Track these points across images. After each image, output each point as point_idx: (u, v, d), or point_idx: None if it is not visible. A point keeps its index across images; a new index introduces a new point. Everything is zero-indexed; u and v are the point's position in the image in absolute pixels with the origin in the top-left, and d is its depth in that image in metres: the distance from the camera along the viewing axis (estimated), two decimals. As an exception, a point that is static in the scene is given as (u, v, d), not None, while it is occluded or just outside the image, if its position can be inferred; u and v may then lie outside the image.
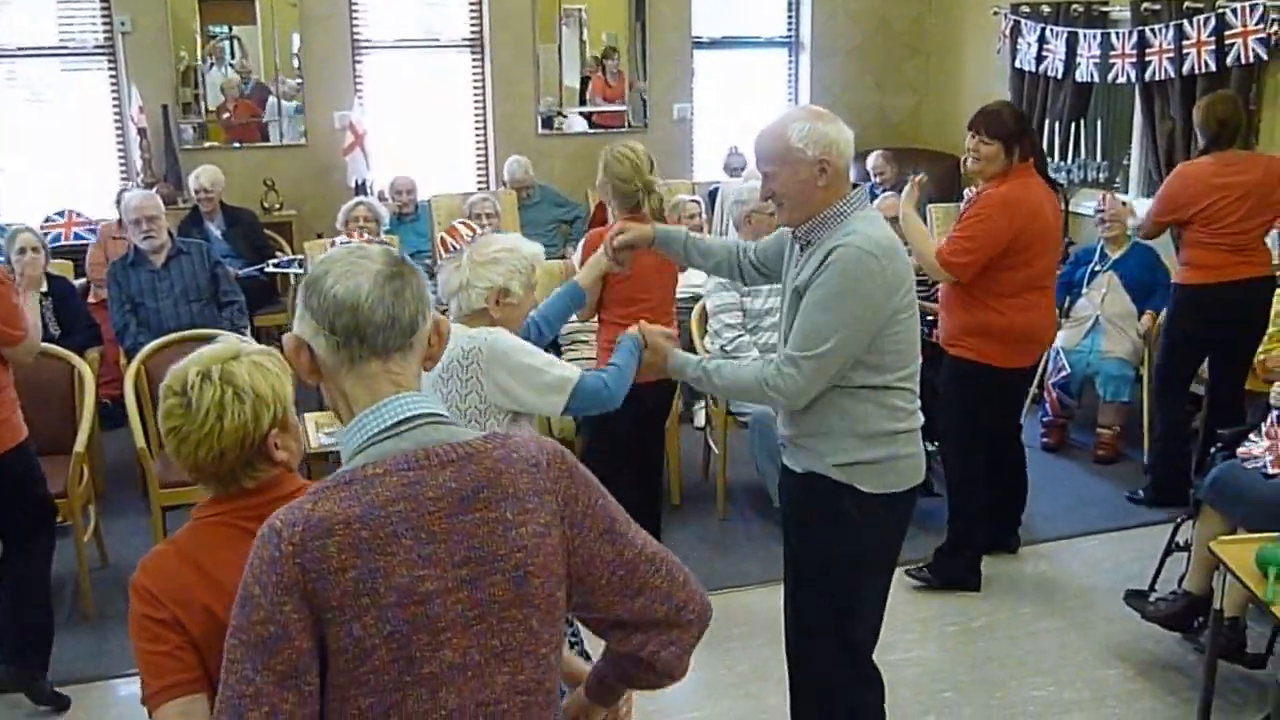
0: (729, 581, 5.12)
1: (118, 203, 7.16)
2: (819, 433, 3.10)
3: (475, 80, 9.31)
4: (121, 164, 8.51)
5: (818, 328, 2.96)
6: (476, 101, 9.34)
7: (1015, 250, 4.68)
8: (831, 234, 3.00)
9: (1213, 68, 6.69)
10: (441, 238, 3.06)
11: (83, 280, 7.24)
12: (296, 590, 1.66)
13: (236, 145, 8.71)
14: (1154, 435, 6.06)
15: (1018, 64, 8.42)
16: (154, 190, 8.02)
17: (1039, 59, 8.15)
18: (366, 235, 6.62)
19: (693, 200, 7.38)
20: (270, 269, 7.65)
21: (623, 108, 9.58)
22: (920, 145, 9.74)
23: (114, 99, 8.47)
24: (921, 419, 3.20)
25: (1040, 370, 6.37)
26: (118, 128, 8.49)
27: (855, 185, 3.12)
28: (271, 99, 8.80)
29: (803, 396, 3.03)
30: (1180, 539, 4.57)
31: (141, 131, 8.18)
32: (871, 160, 8.44)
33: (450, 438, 1.79)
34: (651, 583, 1.92)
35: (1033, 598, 5.03)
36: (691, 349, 5.96)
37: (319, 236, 7.92)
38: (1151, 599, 4.50)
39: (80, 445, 4.84)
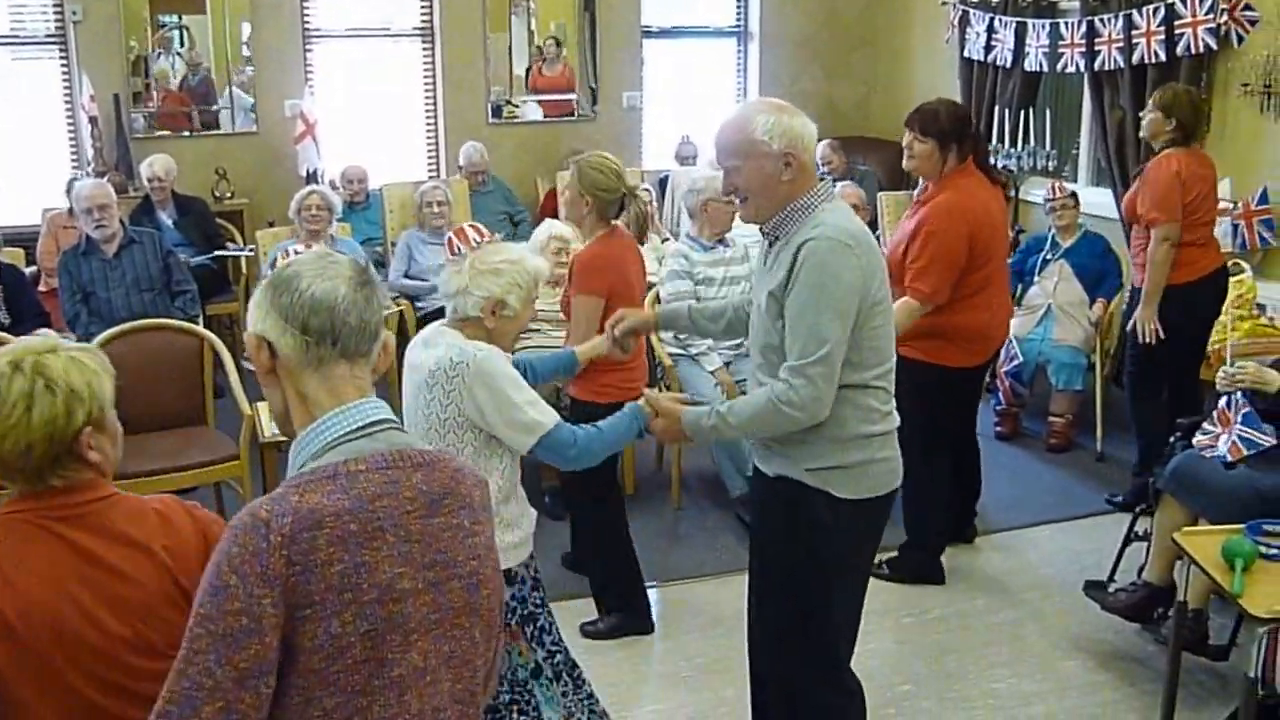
0: (685, 573, 5.15)
1: (68, 192, 7.07)
2: (792, 436, 3.02)
3: (426, 69, 9.26)
4: (73, 153, 8.39)
5: (812, 330, 2.87)
6: (427, 91, 9.29)
7: (970, 256, 4.65)
8: (799, 228, 2.96)
9: (1163, 58, 6.76)
10: (449, 238, 3.06)
11: (33, 269, 7.14)
12: (279, 584, 1.64)
13: (187, 134, 8.61)
14: (1139, 437, 5.91)
15: (966, 54, 8.47)
16: (105, 179, 7.96)
17: (988, 48, 8.21)
18: (316, 226, 6.58)
19: (644, 188, 7.38)
20: (224, 254, 7.60)
21: (572, 96, 9.55)
22: (869, 134, 9.81)
23: (65, 88, 8.35)
24: (897, 420, 3.15)
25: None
26: (69, 117, 8.37)
27: (820, 178, 3.12)
28: (227, 88, 8.70)
29: (822, 406, 2.91)
30: (1139, 529, 4.62)
31: (93, 120, 8.07)
32: (820, 150, 8.45)
33: (413, 444, 1.83)
34: None
35: (989, 588, 5.06)
36: (648, 342, 5.98)
37: (270, 225, 7.87)
38: (1111, 589, 4.51)
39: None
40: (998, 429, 6.73)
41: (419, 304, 7.04)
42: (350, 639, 1.67)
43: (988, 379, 6.51)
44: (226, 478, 5.13)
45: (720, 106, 10.03)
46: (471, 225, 3.18)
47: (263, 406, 5.36)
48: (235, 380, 5.28)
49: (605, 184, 4.36)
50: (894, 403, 3.14)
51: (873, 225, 7.13)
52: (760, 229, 3.12)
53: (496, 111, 9.37)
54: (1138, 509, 4.66)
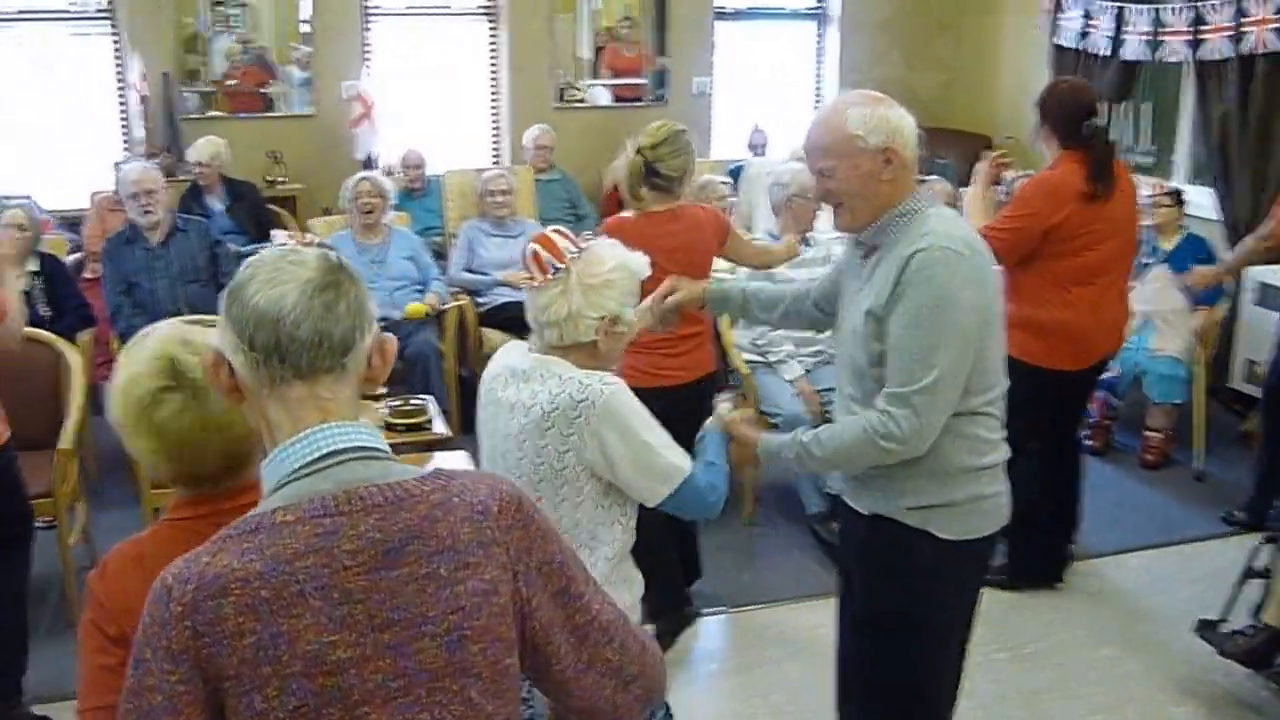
0: (757, 597, 4.80)
1: (117, 174, 6.80)
2: (888, 470, 2.69)
3: (491, 51, 8.92)
4: (124, 134, 8.14)
5: (920, 353, 2.54)
6: (492, 73, 8.96)
7: (1062, 238, 4.34)
8: (902, 237, 2.63)
9: (1277, 47, 6.29)
10: (534, 251, 2.54)
11: (79, 255, 6.90)
12: (187, 659, 1.46)
13: (240, 116, 8.32)
14: (1268, 455, 5.45)
15: (1059, 40, 8.02)
16: (155, 162, 7.71)
17: (1083, 35, 7.76)
18: (370, 212, 6.27)
19: (723, 180, 7.01)
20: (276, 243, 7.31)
21: (641, 81, 9.19)
22: (950, 126, 9.34)
23: (117, 66, 8.09)
24: (1007, 451, 2.81)
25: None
26: (120, 96, 8.12)
27: (922, 181, 2.77)
28: (283, 68, 8.42)
29: (923, 440, 2.59)
30: (1258, 564, 4.21)
31: (143, 100, 7.81)
32: None
33: (382, 476, 1.56)
34: (602, 655, 1.69)
35: (1087, 620, 4.68)
36: (718, 343, 5.63)
37: (326, 212, 7.58)
38: (1225, 630, 4.12)
39: (66, 441, 4.49)
40: (1089, 442, 6.27)
41: (480, 299, 6.71)
42: (278, 715, 1.46)
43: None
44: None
45: (796, 94, 9.65)
46: (556, 231, 2.69)
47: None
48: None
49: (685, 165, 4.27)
50: (1003, 430, 2.79)
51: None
52: (856, 240, 2.78)
53: (561, 95, 9.02)
54: (1259, 541, 4.24)
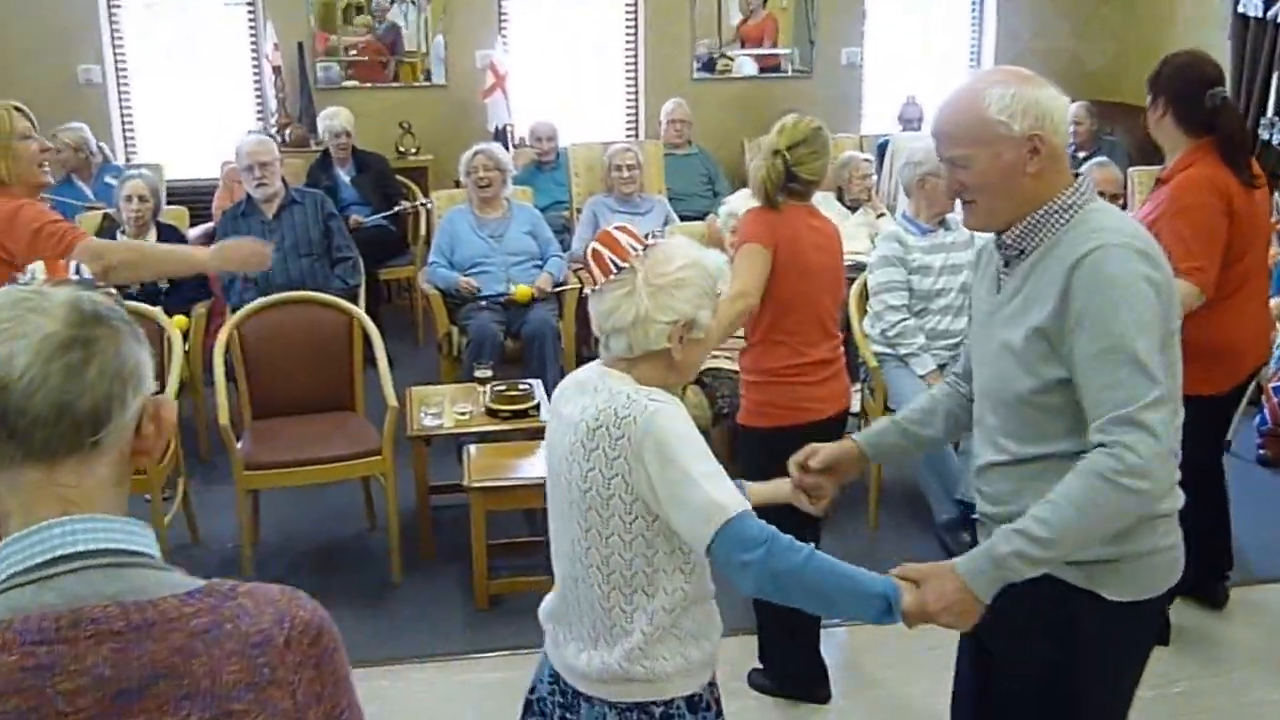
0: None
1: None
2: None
3: (628, 20, 8.62)
4: (258, 105, 8.10)
5: (1136, 364, 2.08)
6: (629, 42, 8.66)
7: (1227, 245, 3.78)
8: (1061, 237, 2.21)
9: None
10: (594, 250, 2.15)
11: (209, 225, 6.85)
12: None
13: (372, 86, 8.20)
14: None
15: (1241, 8, 7.39)
16: (287, 132, 7.66)
17: (1267, 3, 7.10)
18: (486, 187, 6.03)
19: (865, 159, 6.60)
20: (396, 212, 7.17)
21: (785, 51, 8.78)
22: (1120, 100, 8.70)
23: (251, 36, 8.05)
24: (1182, 496, 2.32)
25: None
26: (255, 67, 8.07)
27: (1076, 173, 2.32)
28: (417, 38, 8.26)
29: (1169, 468, 2.12)
30: None
31: (276, 70, 7.75)
32: (1072, 109, 7.55)
33: (131, 592, 1.21)
34: None
35: (1247, 658, 4.16)
36: (847, 331, 5.25)
37: (457, 185, 7.39)
38: None
39: (161, 420, 4.35)
40: (1260, 452, 5.72)
41: (603, 278, 6.42)
42: None
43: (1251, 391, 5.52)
44: (366, 474, 4.64)
45: (951, 66, 9.12)
46: (620, 228, 2.30)
47: (418, 393, 4.90)
48: (383, 365, 4.77)
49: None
50: (1179, 473, 2.29)
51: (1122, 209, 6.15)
52: (997, 242, 2.34)
53: (708, 65, 8.68)
54: None
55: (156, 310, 4.86)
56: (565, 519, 2.23)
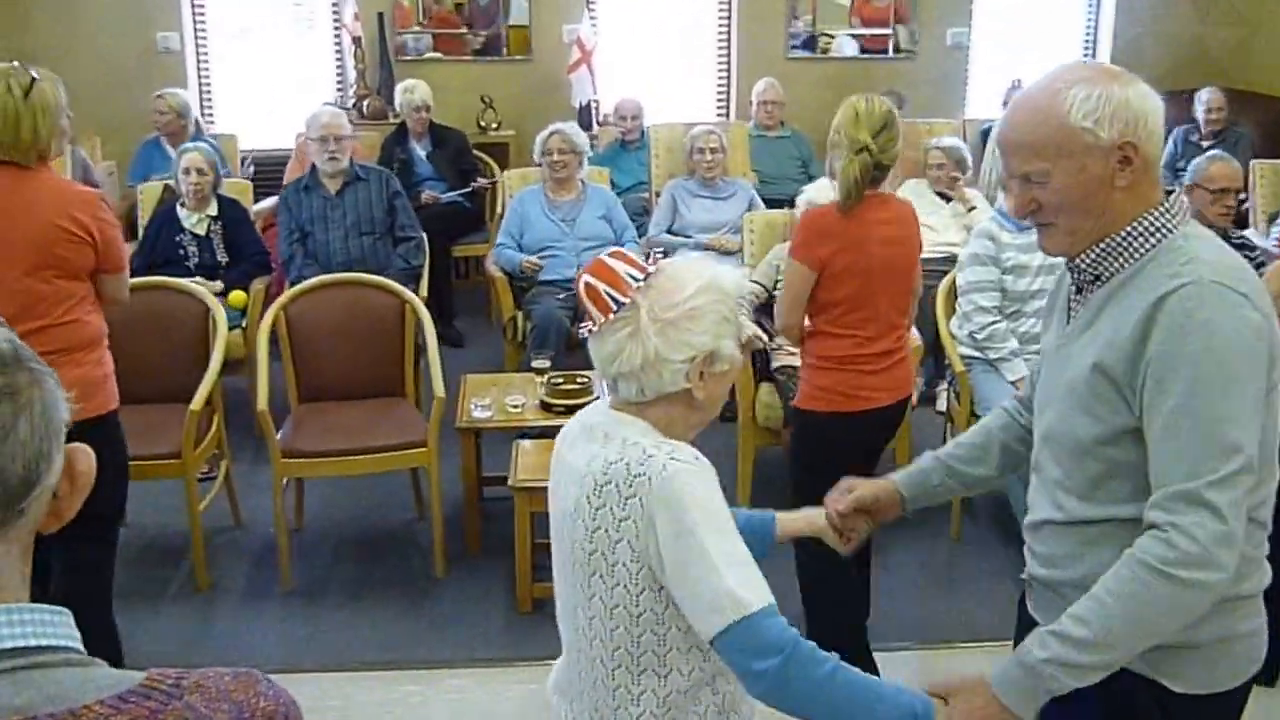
0: (953, 633, 4.06)
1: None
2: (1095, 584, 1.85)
3: (721, -5, 8.31)
4: (338, 76, 7.93)
5: (1213, 431, 1.74)
6: (721, 19, 8.33)
7: None
8: (1145, 265, 1.87)
9: None
10: (588, 284, 1.75)
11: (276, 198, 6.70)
12: None
13: (456, 58, 7.98)
14: None
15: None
16: (365, 104, 7.48)
17: None
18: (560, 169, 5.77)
19: (940, 148, 6.15)
20: (470, 189, 6.96)
21: (886, 31, 8.38)
22: (1248, 87, 8.15)
23: (334, 5, 7.88)
24: (1269, 574, 1.96)
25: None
26: (336, 37, 7.91)
27: (1169, 191, 1.94)
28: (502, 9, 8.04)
29: (1232, 553, 1.75)
30: None
31: (356, 41, 7.57)
32: (1206, 95, 7.14)
33: (45, 702, 0.96)
34: None
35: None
36: (935, 332, 4.89)
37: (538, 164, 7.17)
38: None
39: (197, 402, 4.18)
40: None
41: (678, 262, 6.12)
42: None
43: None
44: (409, 466, 4.41)
45: (1065, 48, 8.65)
46: (615, 254, 1.90)
47: (473, 381, 4.66)
48: (433, 352, 4.53)
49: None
50: (1268, 545, 1.93)
51: (1241, 203, 5.68)
52: (1070, 264, 1.98)
53: (809, 44, 8.31)
54: None
55: (201, 289, 4.67)
56: (569, 582, 1.94)
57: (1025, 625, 2.04)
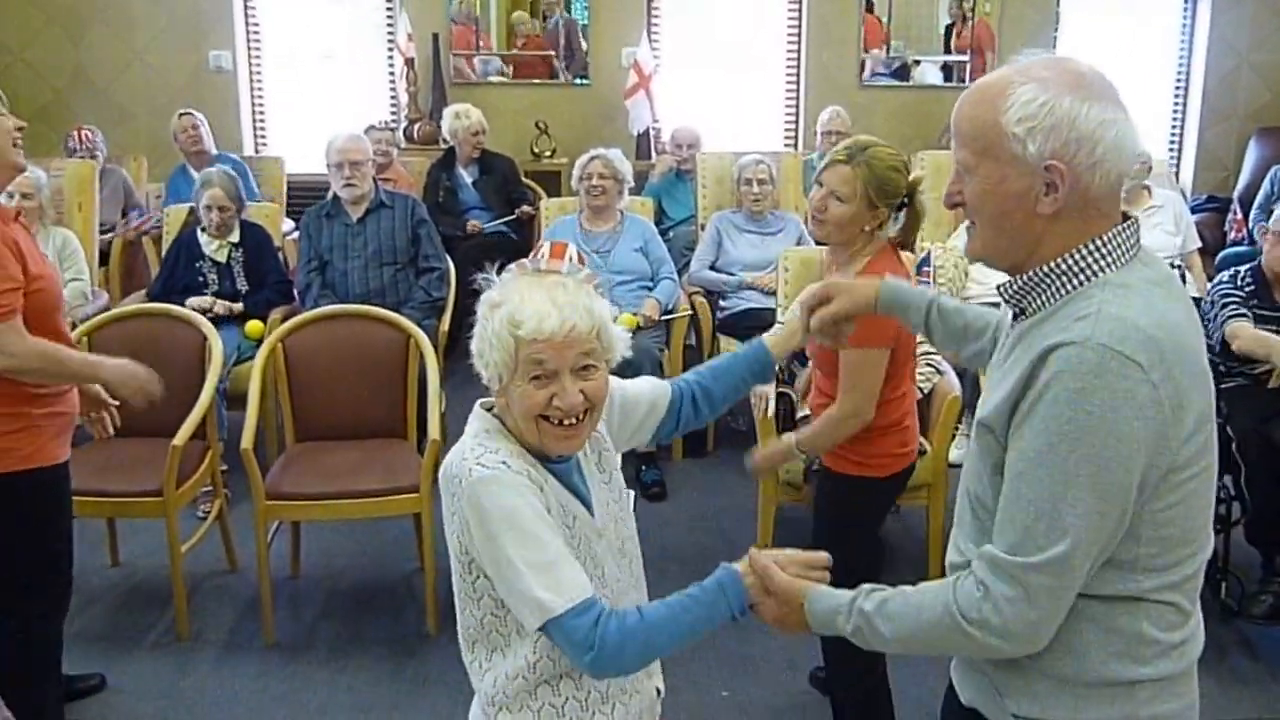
0: None
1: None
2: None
3: (790, 20, 7.97)
4: (391, 99, 7.78)
5: (1046, 510, 1.58)
6: (790, 45, 8.01)
7: None
8: (1058, 308, 1.64)
9: None
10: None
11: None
12: None
13: (512, 82, 7.78)
14: None
15: None
16: (416, 128, 7.32)
17: None
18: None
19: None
20: (510, 218, 6.74)
21: (963, 59, 7.99)
22: (1351, 123, 7.65)
23: (389, 28, 7.74)
24: (1195, 652, 1.73)
25: None
26: (390, 59, 7.76)
27: (1127, 218, 1.68)
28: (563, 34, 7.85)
29: (1036, 637, 1.65)
30: None
31: (409, 62, 7.40)
32: None
33: None
34: None
35: None
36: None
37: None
38: None
39: (181, 437, 3.98)
40: None
41: (722, 303, 5.81)
42: None
43: None
44: (400, 512, 4.15)
45: (1156, 79, 8.19)
46: (556, 247, 1.89)
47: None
48: (433, 391, 4.27)
49: (898, 187, 3.02)
50: (1192, 623, 1.72)
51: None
52: (999, 287, 1.75)
53: (899, 72, 7.94)
54: None
55: (199, 318, 4.48)
56: None
57: (950, 690, 1.93)
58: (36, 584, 3.08)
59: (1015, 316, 1.74)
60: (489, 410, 1.97)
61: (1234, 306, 4.15)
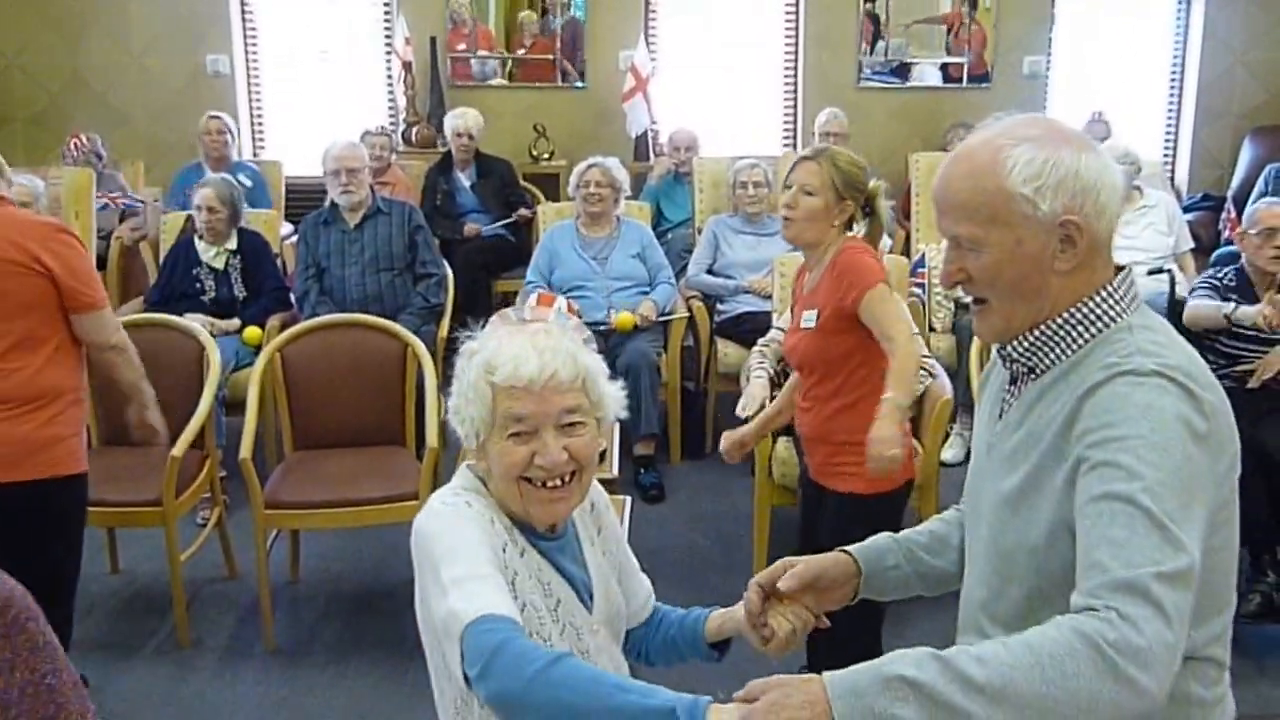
0: None
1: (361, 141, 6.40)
2: None
3: (787, 20, 7.99)
4: (389, 102, 7.80)
5: (1159, 517, 1.43)
6: (788, 45, 8.03)
7: None
8: (1084, 357, 1.61)
9: None
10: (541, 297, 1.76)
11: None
12: None
13: (510, 86, 7.80)
14: None
15: None
16: (414, 131, 7.34)
17: None
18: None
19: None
20: (510, 221, 6.76)
21: (960, 60, 8.01)
22: (1347, 124, 7.67)
23: (386, 31, 7.76)
24: (1232, 710, 1.70)
25: None
26: (388, 63, 7.78)
27: (1120, 268, 1.67)
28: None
29: (1173, 666, 1.40)
30: None
31: (407, 66, 7.42)
32: None
33: None
34: None
35: None
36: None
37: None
38: None
39: (180, 447, 4.00)
40: None
41: (720, 306, 5.83)
42: None
43: None
44: (401, 520, 4.17)
45: (1150, 78, 8.21)
46: (545, 296, 1.85)
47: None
48: (431, 398, 4.30)
49: (861, 181, 3.19)
50: (1227, 677, 1.69)
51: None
52: (1001, 351, 1.72)
53: (899, 71, 7.97)
54: None
55: (198, 328, 4.51)
56: None
57: None
58: (60, 587, 3.20)
59: (1016, 378, 1.71)
60: (471, 470, 1.87)
61: (1204, 291, 4.26)
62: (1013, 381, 1.72)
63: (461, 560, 1.67)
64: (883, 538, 1.98)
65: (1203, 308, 4.27)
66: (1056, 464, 1.57)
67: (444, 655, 1.68)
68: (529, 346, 1.73)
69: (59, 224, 3.20)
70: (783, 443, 4.36)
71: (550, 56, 7.81)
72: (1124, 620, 1.38)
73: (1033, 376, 1.67)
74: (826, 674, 1.41)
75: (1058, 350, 1.63)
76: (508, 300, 7.08)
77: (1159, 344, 1.57)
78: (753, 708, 1.42)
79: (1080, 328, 1.62)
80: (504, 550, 1.76)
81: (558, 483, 1.76)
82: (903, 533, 2.01)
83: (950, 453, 4.97)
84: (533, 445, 1.74)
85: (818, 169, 3.16)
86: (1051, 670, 1.36)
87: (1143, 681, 1.36)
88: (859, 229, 3.25)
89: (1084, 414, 1.53)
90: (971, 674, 1.36)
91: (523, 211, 6.76)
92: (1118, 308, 1.62)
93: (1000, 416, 1.73)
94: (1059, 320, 1.63)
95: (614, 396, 1.85)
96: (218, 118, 6.56)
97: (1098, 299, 1.62)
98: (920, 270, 5.58)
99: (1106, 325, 1.62)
